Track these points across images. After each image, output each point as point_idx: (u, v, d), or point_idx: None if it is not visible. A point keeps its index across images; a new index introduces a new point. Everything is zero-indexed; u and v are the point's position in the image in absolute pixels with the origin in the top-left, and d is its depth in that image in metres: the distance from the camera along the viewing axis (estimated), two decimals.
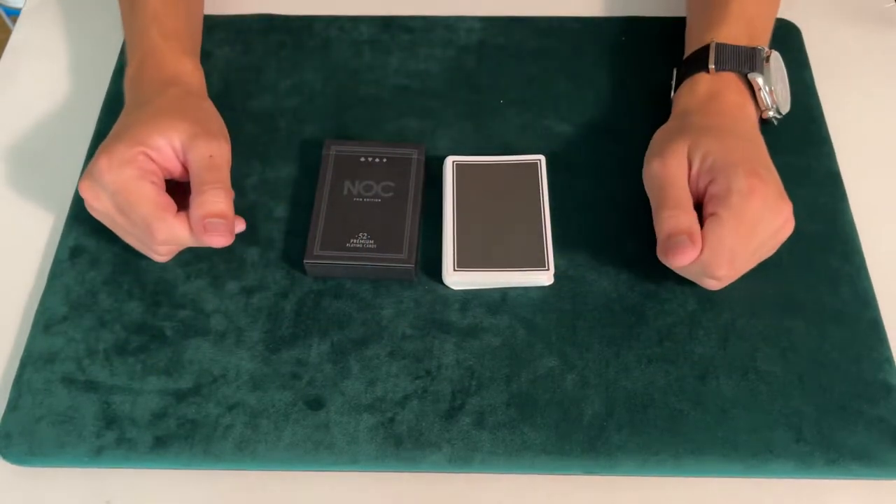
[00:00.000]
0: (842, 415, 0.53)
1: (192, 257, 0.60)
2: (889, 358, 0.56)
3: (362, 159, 0.62)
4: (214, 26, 0.72)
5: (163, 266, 0.60)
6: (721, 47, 0.60)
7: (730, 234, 0.51)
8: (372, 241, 0.58)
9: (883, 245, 0.61)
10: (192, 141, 0.55)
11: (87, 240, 0.61)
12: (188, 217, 0.54)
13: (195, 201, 0.54)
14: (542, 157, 0.63)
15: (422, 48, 0.72)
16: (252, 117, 0.68)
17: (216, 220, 0.54)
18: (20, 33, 0.76)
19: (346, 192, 0.61)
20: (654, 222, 0.55)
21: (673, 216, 0.53)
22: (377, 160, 0.62)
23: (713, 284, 0.56)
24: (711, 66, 0.60)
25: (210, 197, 0.54)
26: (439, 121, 0.67)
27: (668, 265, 0.54)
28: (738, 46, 0.60)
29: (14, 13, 1.35)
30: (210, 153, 0.55)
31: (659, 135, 0.59)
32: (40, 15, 0.77)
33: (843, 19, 0.75)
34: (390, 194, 0.61)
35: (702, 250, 0.52)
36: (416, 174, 0.62)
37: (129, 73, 0.62)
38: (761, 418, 0.53)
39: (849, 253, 0.60)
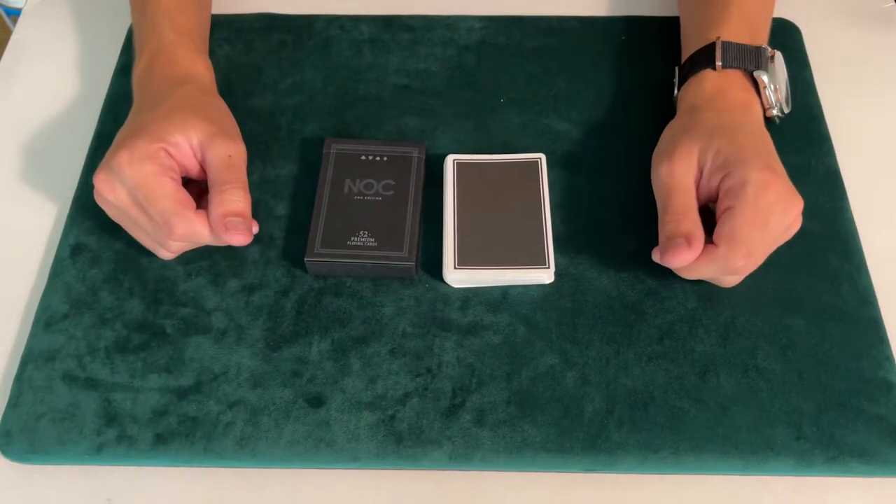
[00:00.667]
0: (842, 412, 0.54)
1: (193, 255, 0.60)
2: (889, 356, 0.56)
3: (363, 157, 0.62)
4: (215, 25, 0.73)
5: (164, 264, 0.60)
6: (727, 45, 0.60)
7: (745, 225, 0.52)
8: (372, 239, 0.58)
9: (883, 243, 0.61)
10: (211, 140, 0.56)
11: (88, 238, 0.61)
12: (206, 215, 0.55)
13: (215, 199, 0.55)
14: (542, 156, 0.63)
15: (422, 47, 0.72)
16: (253, 116, 0.68)
17: (236, 219, 0.54)
18: (20, 33, 0.76)
19: (346, 190, 0.61)
20: (659, 225, 0.55)
21: (674, 220, 0.54)
22: (378, 158, 0.62)
23: (730, 281, 0.56)
24: (718, 64, 0.60)
25: (230, 196, 0.55)
26: (440, 119, 0.67)
27: (668, 266, 0.54)
28: (743, 45, 0.61)
29: (14, 13, 1.35)
30: (229, 153, 0.56)
31: (668, 133, 0.60)
32: (40, 15, 0.78)
33: (843, 19, 0.75)
34: (391, 192, 0.61)
35: (718, 245, 0.52)
36: (417, 172, 0.62)
37: (138, 68, 0.62)
38: (761, 416, 0.53)
39: (849, 251, 0.60)
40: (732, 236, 0.52)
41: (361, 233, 0.59)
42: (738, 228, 0.52)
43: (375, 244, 0.58)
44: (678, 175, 0.55)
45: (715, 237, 0.53)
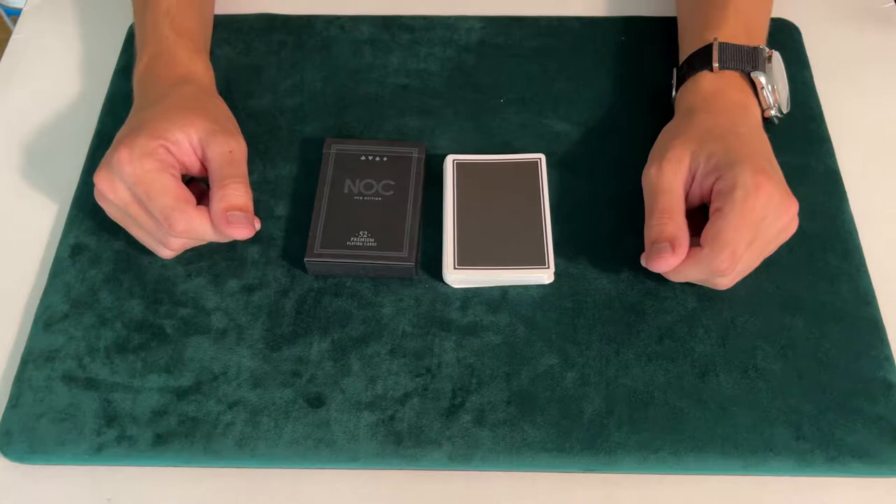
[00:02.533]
0: (841, 412, 0.54)
1: (193, 255, 0.60)
2: (888, 356, 0.56)
3: (363, 158, 0.62)
4: (215, 25, 0.72)
5: (163, 264, 0.60)
6: (724, 46, 0.60)
7: (730, 227, 0.52)
8: (372, 240, 0.58)
9: (882, 243, 0.61)
10: (212, 137, 0.56)
11: (87, 238, 0.61)
12: (207, 211, 0.55)
13: (217, 195, 0.55)
14: (542, 156, 0.63)
15: (422, 47, 0.72)
16: (253, 116, 0.68)
17: (238, 213, 0.55)
18: (20, 33, 0.76)
19: (346, 190, 0.61)
20: (644, 228, 0.55)
21: (659, 224, 0.54)
22: (378, 158, 0.62)
23: (722, 283, 0.56)
24: (715, 65, 0.60)
25: (232, 190, 0.55)
26: (439, 120, 0.67)
27: (654, 271, 0.55)
28: (740, 46, 0.61)
29: (14, 13, 1.35)
30: (229, 149, 0.56)
31: (663, 135, 0.60)
32: (40, 15, 0.78)
33: (843, 19, 0.75)
34: (391, 193, 0.61)
35: (703, 246, 0.53)
36: (417, 172, 0.62)
37: (139, 68, 0.63)
38: (761, 416, 0.53)
39: (848, 251, 0.60)
40: (717, 238, 0.52)
41: (361, 233, 0.59)
42: (723, 230, 0.52)
43: (375, 244, 0.58)
44: (666, 178, 0.55)
45: (701, 239, 0.53)
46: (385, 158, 0.62)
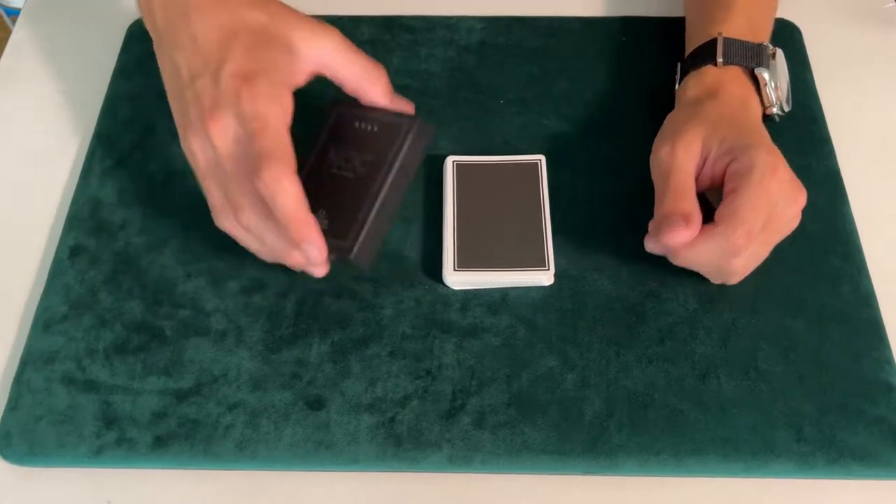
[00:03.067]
0: (843, 414, 0.53)
1: (193, 256, 0.60)
2: (889, 358, 0.56)
3: (357, 124, 0.56)
4: None
5: (163, 265, 0.60)
6: (729, 41, 0.60)
7: (747, 206, 0.51)
8: (327, 221, 0.53)
9: (883, 244, 0.61)
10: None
11: (87, 239, 0.61)
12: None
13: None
14: (542, 157, 0.63)
15: (423, 48, 0.72)
16: None
17: None
18: (20, 33, 0.76)
19: (327, 161, 0.55)
20: (655, 207, 0.55)
21: (673, 200, 0.53)
22: (370, 128, 0.56)
23: (733, 267, 0.54)
24: (719, 60, 0.60)
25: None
26: (440, 120, 0.67)
27: (663, 249, 0.54)
28: (745, 41, 0.61)
29: (14, 13, 1.35)
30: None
31: (669, 122, 0.59)
32: (40, 15, 0.77)
33: (844, 19, 0.75)
34: (365, 169, 0.54)
35: (718, 224, 0.52)
36: (400, 149, 0.54)
37: None
38: (762, 418, 0.53)
39: (849, 252, 0.60)
40: (734, 215, 0.51)
41: (320, 212, 0.53)
42: (740, 209, 0.51)
43: (327, 227, 0.53)
44: (680, 158, 0.55)
45: (716, 217, 0.52)
46: (376, 129, 0.56)
